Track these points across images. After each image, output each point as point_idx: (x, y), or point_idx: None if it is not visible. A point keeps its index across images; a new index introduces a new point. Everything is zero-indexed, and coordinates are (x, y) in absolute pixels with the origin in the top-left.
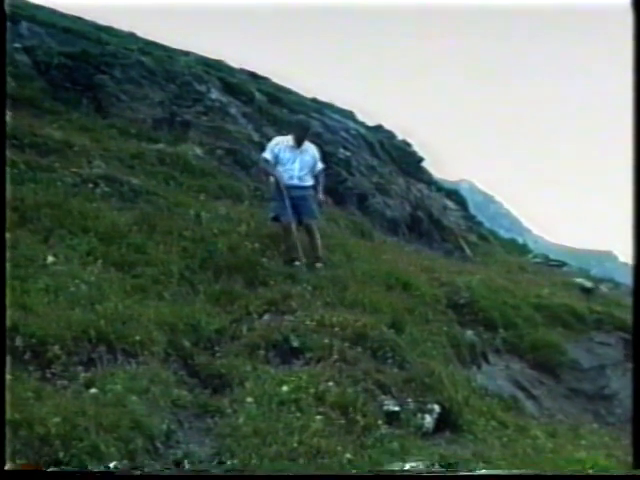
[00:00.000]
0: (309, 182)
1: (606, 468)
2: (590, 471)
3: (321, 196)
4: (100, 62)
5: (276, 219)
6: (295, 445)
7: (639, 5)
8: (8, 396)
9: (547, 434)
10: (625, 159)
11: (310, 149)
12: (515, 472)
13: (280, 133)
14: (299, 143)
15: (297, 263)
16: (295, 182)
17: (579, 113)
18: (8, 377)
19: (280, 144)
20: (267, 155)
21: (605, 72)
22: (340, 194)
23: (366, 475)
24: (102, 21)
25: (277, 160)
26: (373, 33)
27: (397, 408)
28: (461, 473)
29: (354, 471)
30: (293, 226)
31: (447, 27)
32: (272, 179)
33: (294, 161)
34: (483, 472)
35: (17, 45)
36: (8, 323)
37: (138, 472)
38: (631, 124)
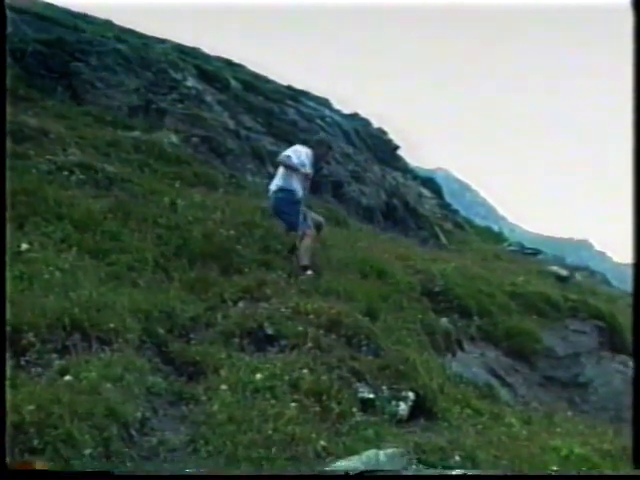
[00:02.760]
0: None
1: (581, 456)
2: (584, 469)
3: None
4: (76, 49)
5: (292, 229)
6: (270, 432)
7: (639, 5)
8: (8, 396)
9: (522, 422)
10: (605, 151)
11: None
12: (515, 472)
13: (256, 121)
14: (318, 161)
15: (309, 272)
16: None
17: (570, 109)
18: None
19: (306, 154)
20: (292, 154)
21: (605, 72)
22: (315, 182)
23: (366, 475)
24: (78, 8)
25: (300, 163)
26: (351, 23)
27: (372, 395)
28: (460, 473)
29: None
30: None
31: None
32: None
33: (307, 183)
34: (483, 472)
35: None
36: None
37: (138, 472)
38: (631, 124)
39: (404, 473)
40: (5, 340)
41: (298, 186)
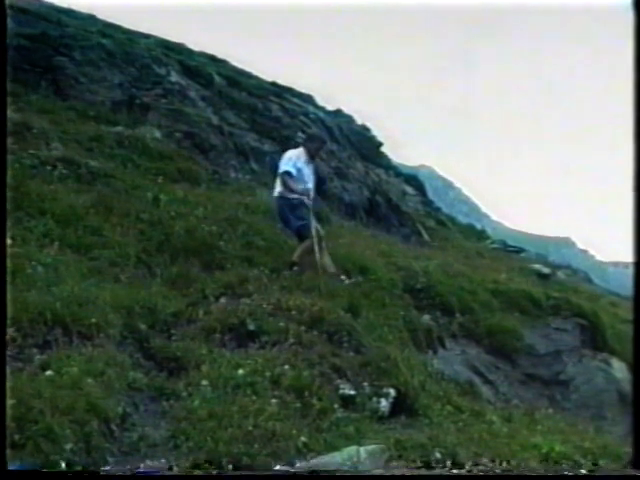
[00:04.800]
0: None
1: (562, 453)
2: (582, 471)
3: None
4: (59, 44)
5: (301, 237)
6: (250, 428)
7: (639, 5)
8: (8, 396)
9: (503, 419)
10: (588, 150)
11: (314, 166)
12: (515, 472)
13: (239, 117)
14: (313, 157)
15: (295, 269)
16: (311, 201)
17: (561, 109)
18: None
19: (300, 158)
20: (291, 169)
21: (605, 72)
22: None
23: (365, 475)
24: (62, 3)
25: (299, 176)
26: (336, 20)
27: (353, 392)
28: (458, 473)
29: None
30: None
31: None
32: (292, 195)
33: (310, 179)
34: (483, 472)
35: None
36: None
37: (138, 472)
38: (631, 124)
39: (404, 473)
40: (5, 340)
41: (299, 187)
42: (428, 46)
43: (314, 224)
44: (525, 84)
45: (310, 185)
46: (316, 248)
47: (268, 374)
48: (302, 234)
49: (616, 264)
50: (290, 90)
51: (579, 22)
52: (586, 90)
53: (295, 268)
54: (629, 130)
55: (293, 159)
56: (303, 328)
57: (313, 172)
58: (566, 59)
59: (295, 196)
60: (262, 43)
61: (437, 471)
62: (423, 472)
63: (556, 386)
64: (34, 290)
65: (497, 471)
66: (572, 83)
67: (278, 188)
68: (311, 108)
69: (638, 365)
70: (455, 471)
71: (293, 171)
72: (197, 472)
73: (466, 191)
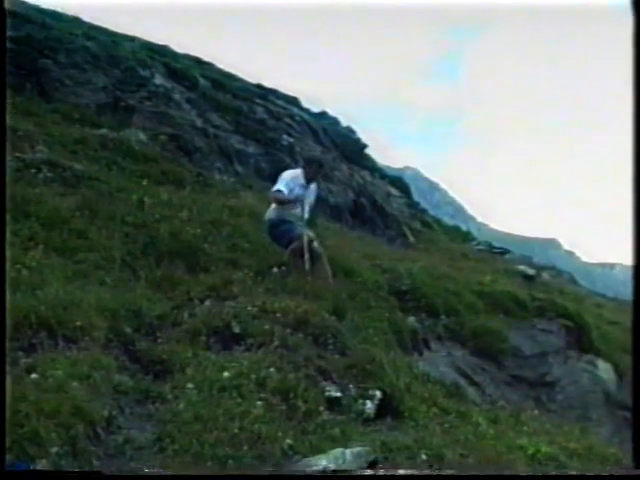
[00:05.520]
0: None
1: (548, 455)
2: (573, 471)
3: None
4: (44, 46)
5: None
6: (236, 431)
7: (639, 5)
8: (8, 396)
9: (489, 420)
10: (575, 152)
11: (313, 188)
12: (515, 472)
13: (224, 119)
14: (310, 181)
15: (283, 268)
16: (302, 222)
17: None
18: None
19: (295, 179)
20: (282, 188)
21: (605, 72)
22: None
23: (364, 475)
24: (46, 5)
25: (291, 196)
26: (322, 21)
27: (338, 394)
28: (457, 473)
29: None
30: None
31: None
32: (282, 216)
33: (304, 203)
34: (483, 472)
35: None
36: None
37: (138, 472)
38: (631, 124)
39: (403, 473)
40: (5, 340)
41: (292, 211)
42: (416, 46)
43: (310, 238)
44: (518, 84)
45: (300, 209)
46: (307, 255)
47: (253, 377)
48: (291, 241)
49: (601, 265)
50: (275, 92)
51: (579, 22)
52: (583, 91)
53: (283, 268)
54: (623, 132)
55: (286, 180)
56: (288, 331)
57: (311, 194)
58: (565, 59)
59: (285, 217)
60: (247, 45)
61: (427, 471)
62: (414, 472)
63: (542, 387)
64: (19, 293)
65: (497, 471)
66: (571, 83)
67: (269, 213)
68: (296, 110)
69: (637, 366)
70: (450, 471)
71: (285, 190)
72: (197, 472)
73: (452, 193)
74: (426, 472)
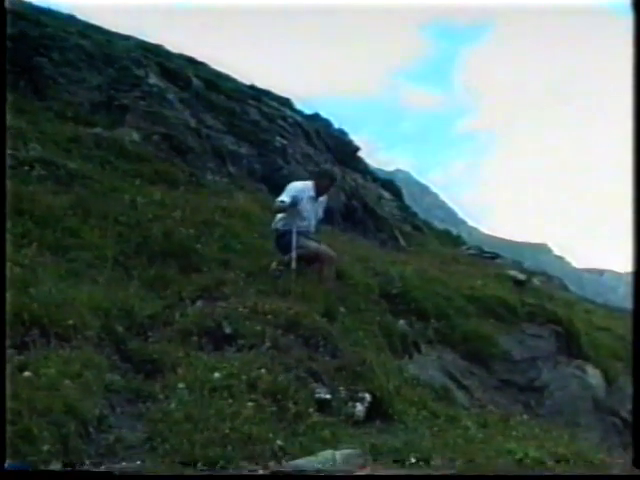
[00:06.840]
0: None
1: (536, 459)
2: (559, 469)
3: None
4: (38, 44)
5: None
6: (227, 431)
7: (639, 5)
8: (8, 396)
9: (478, 424)
10: (567, 157)
11: (322, 201)
12: (515, 472)
13: (217, 120)
14: (320, 194)
15: (281, 267)
16: (306, 232)
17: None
18: None
19: (304, 191)
20: (286, 199)
21: (604, 73)
22: (275, 182)
23: (363, 475)
24: (41, 3)
25: (295, 207)
26: (315, 22)
27: (329, 396)
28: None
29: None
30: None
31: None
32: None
33: (312, 217)
34: (483, 472)
35: None
36: None
37: (138, 472)
38: (631, 124)
39: (402, 473)
40: (5, 341)
41: (299, 223)
42: (411, 47)
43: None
44: (514, 88)
45: (307, 222)
46: (293, 263)
47: (244, 377)
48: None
49: (590, 271)
50: (268, 93)
51: (578, 22)
52: (579, 95)
53: (281, 267)
54: (619, 137)
55: (292, 191)
56: (279, 332)
57: (319, 208)
58: (563, 61)
59: (291, 228)
60: (241, 45)
61: (417, 471)
62: (404, 472)
63: (531, 392)
64: (11, 291)
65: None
66: (569, 86)
67: (275, 220)
68: (288, 111)
69: (637, 367)
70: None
71: (287, 202)
72: (197, 472)
73: (442, 197)
74: (417, 472)
